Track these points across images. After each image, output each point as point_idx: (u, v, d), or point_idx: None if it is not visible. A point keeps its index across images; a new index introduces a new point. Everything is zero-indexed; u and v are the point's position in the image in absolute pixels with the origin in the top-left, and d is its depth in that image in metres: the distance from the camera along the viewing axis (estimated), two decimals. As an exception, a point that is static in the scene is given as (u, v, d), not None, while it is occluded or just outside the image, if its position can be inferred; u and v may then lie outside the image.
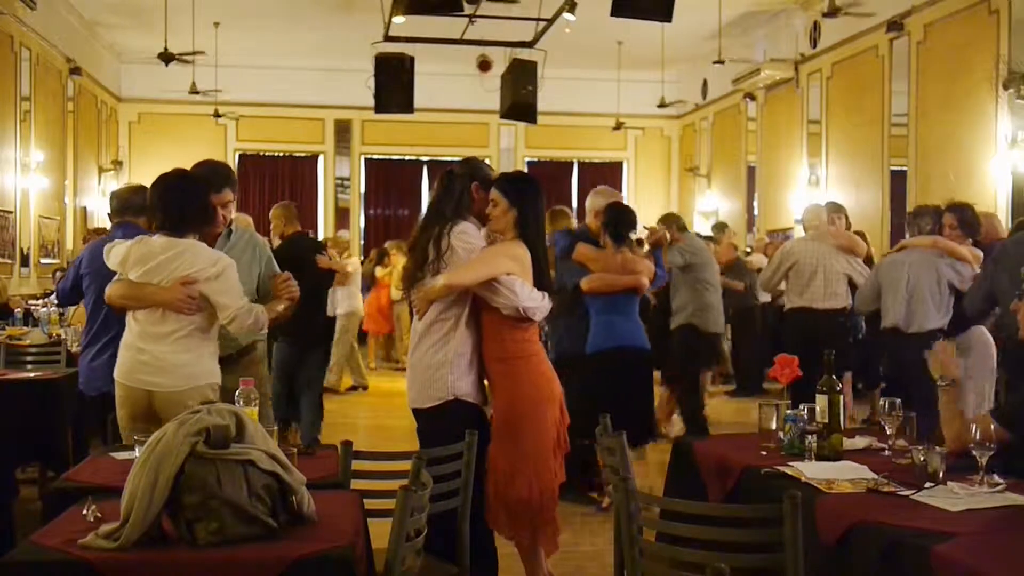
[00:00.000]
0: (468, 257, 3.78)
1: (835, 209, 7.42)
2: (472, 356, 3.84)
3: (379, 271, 12.95)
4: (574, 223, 6.74)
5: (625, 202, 6.37)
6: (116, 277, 3.87)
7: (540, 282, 3.87)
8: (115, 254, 3.83)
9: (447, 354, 3.80)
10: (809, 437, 3.25)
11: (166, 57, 12.43)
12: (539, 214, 3.98)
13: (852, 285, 6.93)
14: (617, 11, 8.47)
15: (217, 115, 15.36)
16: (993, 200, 9.12)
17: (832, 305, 6.92)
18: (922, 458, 2.91)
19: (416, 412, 3.94)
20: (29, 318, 8.40)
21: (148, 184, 4.20)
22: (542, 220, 4.04)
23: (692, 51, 14.28)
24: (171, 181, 3.89)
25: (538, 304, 3.81)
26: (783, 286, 7.47)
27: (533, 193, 3.97)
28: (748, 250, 12.82)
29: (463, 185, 3.95)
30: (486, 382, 3.95)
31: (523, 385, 3.82)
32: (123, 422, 3.82)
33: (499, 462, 3.77)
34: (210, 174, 4.13)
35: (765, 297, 10.25)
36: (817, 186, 12.57)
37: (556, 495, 3.85)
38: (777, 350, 4.72)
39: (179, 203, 3.80)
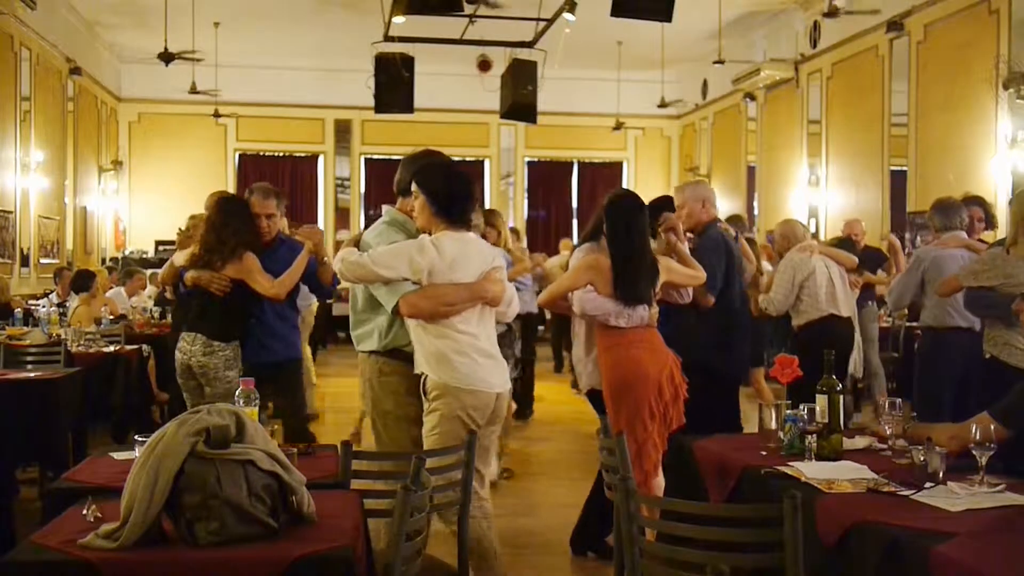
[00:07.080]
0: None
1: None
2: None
3: None
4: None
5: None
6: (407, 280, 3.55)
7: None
8: (435, 255, 3.53)
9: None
10: (809, 437, 3.26)
11: (166, 57, 12.42)
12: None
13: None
14: (617, 11, 8.44)
15: (217, 115, 15.36)
16: (993, 200, 9.10)
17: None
18: (922, 458, 2.91)
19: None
20: (29, 318, 8.40)
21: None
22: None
23: (692, 51, 14.27)
24: (447, 169, 3.77)
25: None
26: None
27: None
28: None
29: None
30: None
31: (612, 370, 4.39)
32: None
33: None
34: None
35: None
36: (817, 186, 12.57)
37: (652, 450, 4.32)
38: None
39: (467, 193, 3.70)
